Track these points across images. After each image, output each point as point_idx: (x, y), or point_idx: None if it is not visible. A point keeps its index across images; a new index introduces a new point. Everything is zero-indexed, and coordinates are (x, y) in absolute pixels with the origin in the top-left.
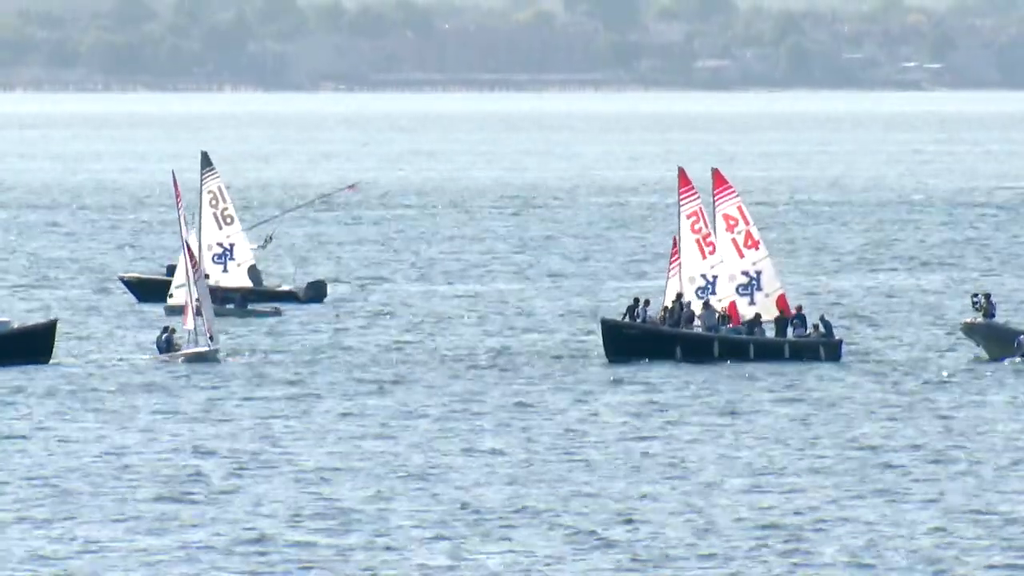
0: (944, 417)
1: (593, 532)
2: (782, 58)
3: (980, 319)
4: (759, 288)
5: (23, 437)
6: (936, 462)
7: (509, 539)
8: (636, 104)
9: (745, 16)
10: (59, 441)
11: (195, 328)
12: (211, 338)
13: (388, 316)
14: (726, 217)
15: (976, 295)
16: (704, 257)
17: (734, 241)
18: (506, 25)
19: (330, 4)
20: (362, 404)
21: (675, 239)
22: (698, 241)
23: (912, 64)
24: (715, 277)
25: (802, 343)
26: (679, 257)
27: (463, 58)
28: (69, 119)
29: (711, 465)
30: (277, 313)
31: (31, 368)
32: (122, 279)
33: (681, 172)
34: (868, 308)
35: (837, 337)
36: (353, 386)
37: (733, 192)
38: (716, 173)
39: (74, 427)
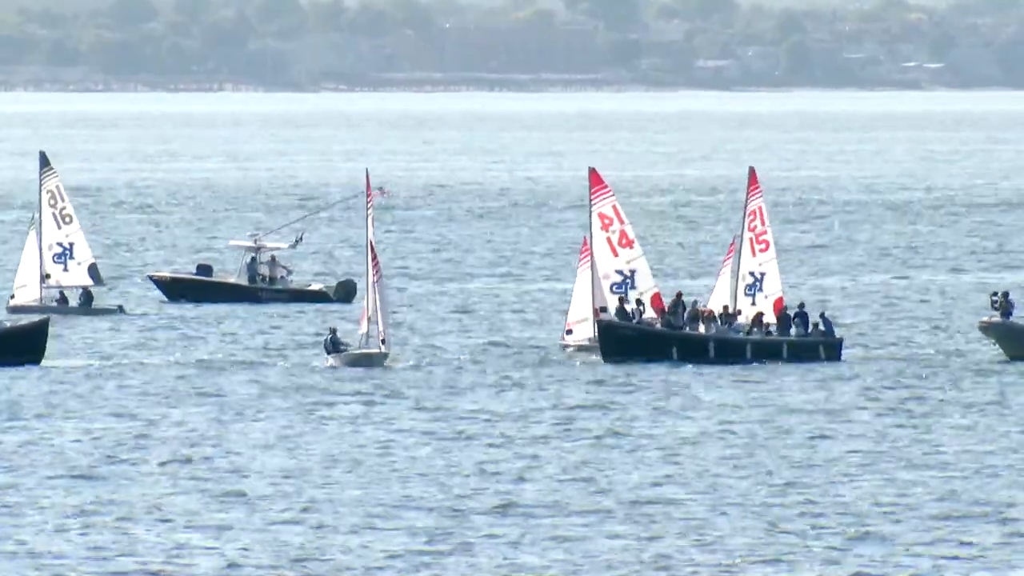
0: (946, 417)
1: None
2: (783, 57)
3: (997, 318)
4: (633, 287)
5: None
6: (940, 460)
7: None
8: (639, 103)
9: (746, 15)
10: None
11: (367, 331)
12: (383, 342)
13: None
14: (601, 216)
15: (995, 293)
16: (754, 255)
17: (608, 240)
18: (506, 24)
19: (330, 3)
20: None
21: (734, 237)
22: (751, 239)
23: (913, 63)
24: (763, 275)
25: (801, 343)
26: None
27: (463, 57)
28: (75, 118)
29: (709, 465)
30: (121, 311)
31: (25, 369)
32: (152, 278)
33: (752, 171)
34: (870, 307)
35: (838, 336)
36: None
37: (608, 192)
38: (592, 173)
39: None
